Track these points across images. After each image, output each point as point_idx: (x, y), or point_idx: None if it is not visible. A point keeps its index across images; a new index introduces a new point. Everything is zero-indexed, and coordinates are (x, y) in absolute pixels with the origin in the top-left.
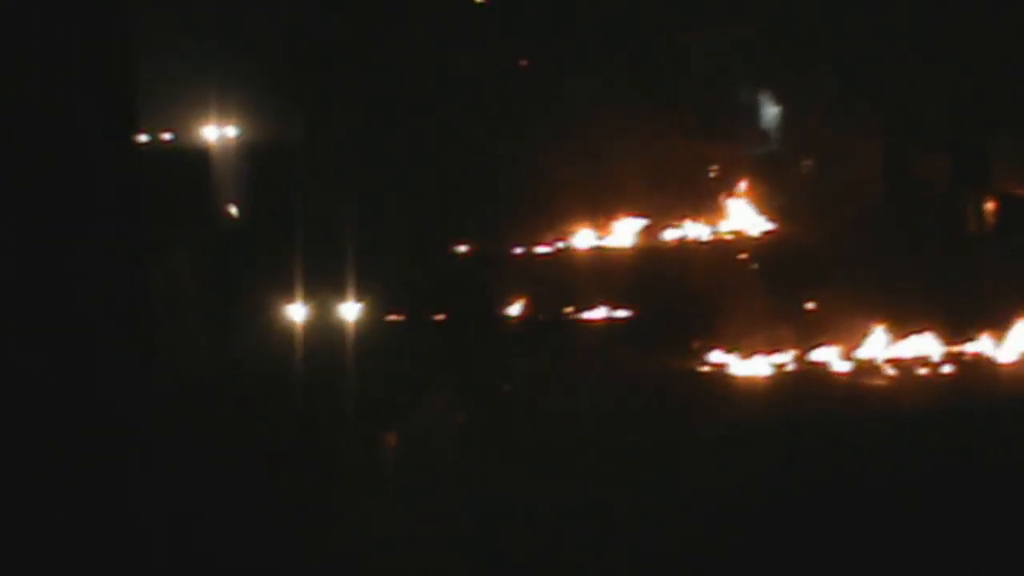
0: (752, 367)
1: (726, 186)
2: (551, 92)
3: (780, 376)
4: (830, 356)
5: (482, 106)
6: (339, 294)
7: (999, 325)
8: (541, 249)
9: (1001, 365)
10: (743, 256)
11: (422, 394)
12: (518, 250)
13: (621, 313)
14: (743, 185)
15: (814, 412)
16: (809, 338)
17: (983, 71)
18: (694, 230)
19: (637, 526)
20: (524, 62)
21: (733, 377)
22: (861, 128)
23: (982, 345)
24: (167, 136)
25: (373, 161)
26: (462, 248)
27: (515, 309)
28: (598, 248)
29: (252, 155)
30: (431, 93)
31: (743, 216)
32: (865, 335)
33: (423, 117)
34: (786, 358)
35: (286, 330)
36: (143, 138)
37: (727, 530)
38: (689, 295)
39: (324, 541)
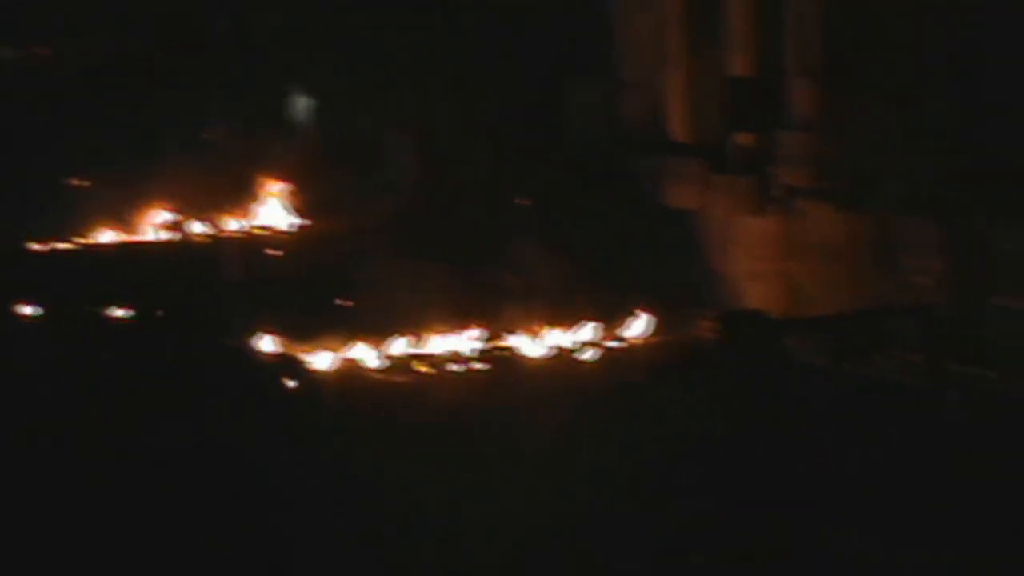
0: (285, 364)
1: (259, 180)
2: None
3: (317, 373)
4: (363, 353)
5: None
6: None
7: (532, 321)
8: (62, 245)
9: (532, 360)
10: (275, 251)
11: None
12: (36, 246)
13: (146, 310)
14: (276, 179)
15: (347, 409)
16: (343, 335)
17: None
18: (224, 225)
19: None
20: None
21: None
22: (400, 124)
23: (514, 341)
24: None
25: None
26: None
27: (33, 308)
28: (124, 243)
29: None
30: None
31: (275, 211)
32: (398, 332)
33: None
34: (322, 355)
35: None
36: None
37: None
38: (218, 291)
39: None
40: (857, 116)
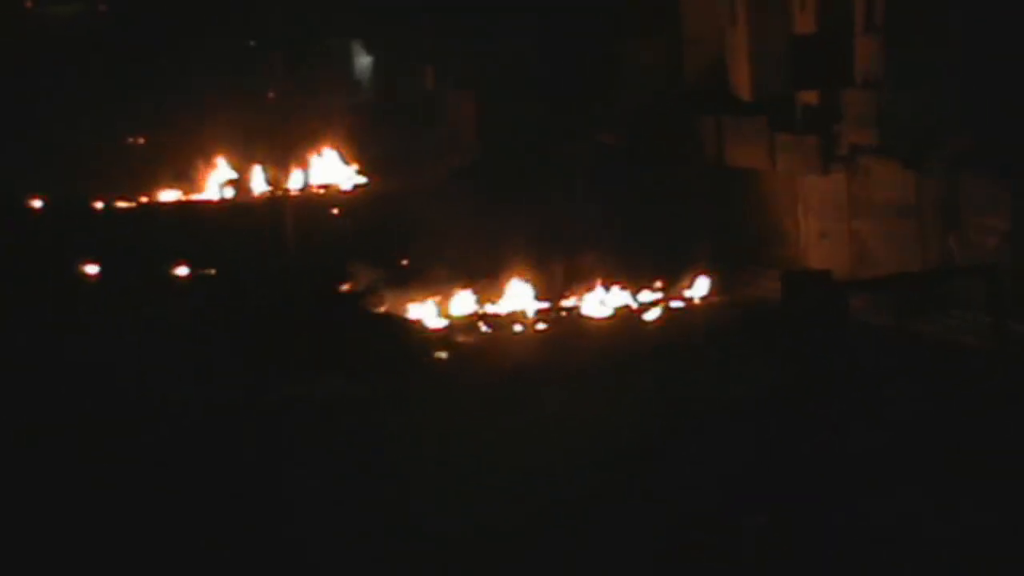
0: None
1: (318, 139)
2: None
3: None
4: (425, 312)
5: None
6: None
7: (589, 280)
8: (122, 204)
9: (592, 320)
10: (335, 210)
11: None
12: (98, 204)
13: (207, 269)
14: (335, 137)
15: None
16: (405, 293)
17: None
18: (286, 183)
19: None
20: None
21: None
22: (456, 82)
23: (575, 301)
24: None
25: None
26: (37, 203)
27: (96, 267)
28: (185, 202)
29: None
30: None
31: (334, 169)
32: (461, 290)
33: None
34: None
35: None
36: None
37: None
38: (278, 250)
39: None
40: (923, 74)
